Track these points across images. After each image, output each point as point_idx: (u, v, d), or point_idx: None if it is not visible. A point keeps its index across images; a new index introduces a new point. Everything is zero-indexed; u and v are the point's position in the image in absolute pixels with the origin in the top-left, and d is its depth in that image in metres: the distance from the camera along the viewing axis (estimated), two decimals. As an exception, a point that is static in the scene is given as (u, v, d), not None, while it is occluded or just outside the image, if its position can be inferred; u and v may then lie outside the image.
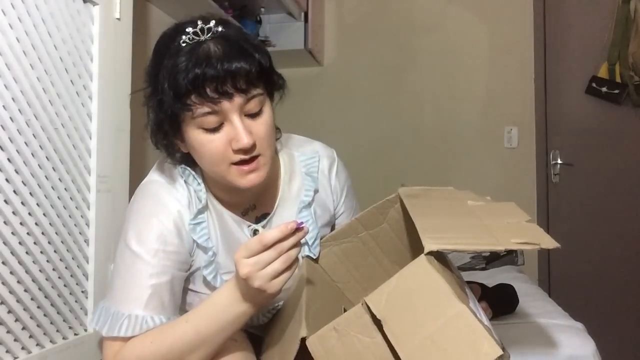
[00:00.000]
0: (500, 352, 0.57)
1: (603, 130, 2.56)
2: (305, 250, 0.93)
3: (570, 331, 1.16)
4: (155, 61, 0.81)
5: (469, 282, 1.35)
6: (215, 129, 0.78)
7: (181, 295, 0.88)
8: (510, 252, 2.18)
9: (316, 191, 0.97)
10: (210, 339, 0.78)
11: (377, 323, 0.65)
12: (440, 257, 0.68)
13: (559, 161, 2.62)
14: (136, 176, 1.06)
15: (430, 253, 0.64)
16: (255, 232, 0.92)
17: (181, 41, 0.77)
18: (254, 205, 0.93)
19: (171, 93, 0.76)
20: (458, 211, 0.81)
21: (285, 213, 0.95)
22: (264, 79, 0.80)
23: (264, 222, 0.93)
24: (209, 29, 0.77)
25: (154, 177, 0.89)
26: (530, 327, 1.17)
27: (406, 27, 2.81)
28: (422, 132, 2.76)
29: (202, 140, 0.78)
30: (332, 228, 1.03)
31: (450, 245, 0.66)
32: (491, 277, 1.69)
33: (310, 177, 0.97)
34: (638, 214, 2.49)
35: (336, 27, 2.90)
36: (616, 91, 2.48)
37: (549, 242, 0.68)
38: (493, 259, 2.11)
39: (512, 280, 1.56)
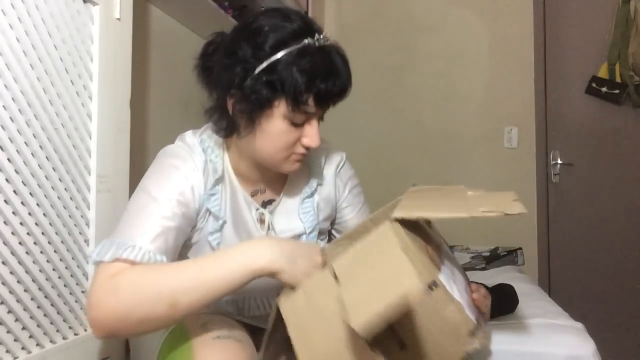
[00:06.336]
0: (419, 286, 0.60)
1: (603, 130, 2.56)
2: (302, 240, 1.00)
3: (570, 331, 1.16)
4: (270, 43, 0.83)
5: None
6: (298, 125, 0.87)
7: (178, 252, 0.90)
8: (510, 252, 2.18)
9: (320, 184, 1.04)
10: (209, 283, 0.76)
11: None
12: (417, 229, 0.74)
13: (559, 161, 2.62)
14: (136, 176, 1.06)
15: (396, 220, 0.71)
16: (262, 215, 0.98)
17: (306, 40, 0.83)
18: (264, 189, 0.99)
19: (294, 87, 0.81)
20: (449, 195, 0.83)
21: (289, 202, 1.01)
22: None
23: (271, 207, 0.99)
24: (324, 38, 0.86)
25: (176, 142, 0.96)
26: (530, 327, 1.17)
27: (406, 27, 2.81)
28: (422, 132, 2.76)
29: (283, 129, 0.86)
30: (332, 223, 1.09)
31: (415, 214, 0.71)
32: (491, 277, 1.69)
33: (317, 171, 1.03)
34: (638, 214, 2.49)
35: (336, 27, 2.90)
36: (616, 91, 2.48)
37: (514, 208, 0.69)
38: (493, 259, 2.11)
39: (512, 280, 1.56)
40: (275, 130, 0.86)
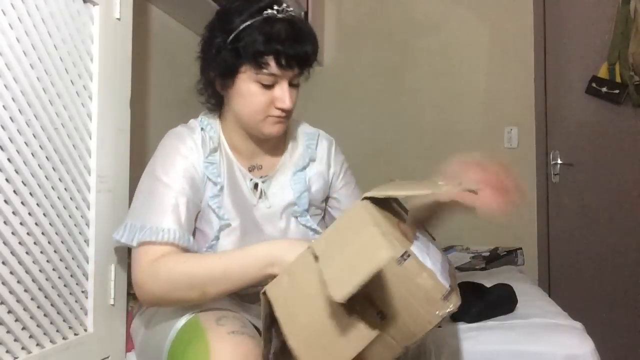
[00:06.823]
0: (391, 257, 0.66)
1: (603, 130, 2.56)
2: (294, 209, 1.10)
3: (569, 331, 1.16)
4: (239, 18, 0.95)
5: (467, 283, 1.36)
6: (268, 87, 0.98)
7: (194, 222, 1.02)
8: (510, 252, 2.18)
9: (312, 160, 1.14)
10: (232, 280, 0.91)
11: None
12: (390, 210, 0.82)
13: (559, 161, 2.62)
14: (136, 176, 1.06)
15: (367, 200, 0.78)
16: (255, 185, 1.08)
17: (269, 9, 0.94)
18: (261, 165, 1.10)
19: (253, 49, 0.94)
20: (419, 182, 0.89)
21: (282, 177, 1.11)
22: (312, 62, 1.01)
23: (264, 179, 1.09)
24: (286, 10, 0.97)
25: (179, 126, 1.09)
26: (530, 327, 1.18)
27: (406, 27, 2.81)
28: (422, 132, 2.76)
29: (254, 91, 0.98)
30: (326, 201, 1.18)
31: (382, 193, 0.79)
32: (491, 277, 1.69)
33: (310, 149, 1.14)
34: (638, 214, 2.49)
35: (336, 27, 2.90)
36: (616, 91, 2.48)
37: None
38: (493, 259, 2.11)
39: (512, 280, 1.56)
40: (247, 93, 0.98)
